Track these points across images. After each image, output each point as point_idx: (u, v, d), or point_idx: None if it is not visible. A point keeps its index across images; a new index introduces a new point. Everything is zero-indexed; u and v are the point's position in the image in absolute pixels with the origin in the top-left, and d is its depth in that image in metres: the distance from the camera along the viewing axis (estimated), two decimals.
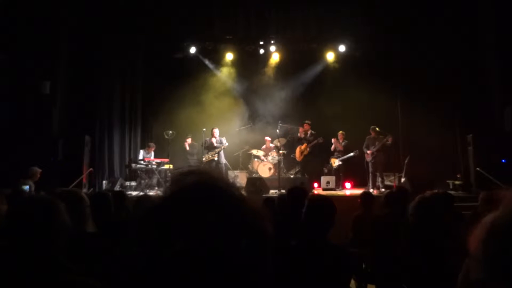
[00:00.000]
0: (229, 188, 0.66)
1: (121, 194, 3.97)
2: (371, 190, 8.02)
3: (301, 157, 9.57)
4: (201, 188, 0.64)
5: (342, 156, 9.36)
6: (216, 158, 9.54)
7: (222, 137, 9.77)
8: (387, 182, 8.90)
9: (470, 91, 8.85)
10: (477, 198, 4.63)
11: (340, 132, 9.52)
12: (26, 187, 6.20)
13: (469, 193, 7.87)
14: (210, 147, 9.58)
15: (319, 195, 2.57)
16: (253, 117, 10.83)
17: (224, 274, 0.58)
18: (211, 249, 0.58)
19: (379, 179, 8.74)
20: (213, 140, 9.61)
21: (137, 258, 0.61)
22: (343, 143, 9.44)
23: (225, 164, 9.86)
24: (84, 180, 8.35)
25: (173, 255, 0.58)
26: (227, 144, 9.65)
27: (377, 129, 8.88)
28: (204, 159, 9.53)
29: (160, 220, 0.61)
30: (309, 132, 9.59)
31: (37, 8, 7.92)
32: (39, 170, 6.80)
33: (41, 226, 1.37)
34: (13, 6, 7.63)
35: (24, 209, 1.42)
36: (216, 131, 9.68)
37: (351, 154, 9.21)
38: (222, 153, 9.69)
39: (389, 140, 8.58)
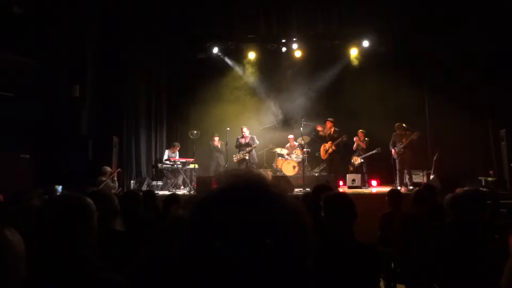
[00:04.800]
0: (275, 189, 0.67)
1: (151, 194, 4.06)
2: (398, 188, 7.84)
3: (326, 155, 9.46)
4: (250, 188, 0.66)
5: (365, 154, 9.23)
6: (247, 157, 9.45)
7: (253, 135, 9.71)
8: (416, 180, 8.67)
9: (502, 87, 8.50)
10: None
11: (360, 130, 9.41)
12: (59, 188, 6.44)
13: (503, 190, 7.55)
14: (242, 146, 9.55)
15: (334, 193, 2.53)
16: (276, 115, 10.81)
17: (274, 272, 0.59)
18: (262, 248, 0.59)
19: (407, 177, 8.53)
20: (243, 139, 9.57)
21: (183, 254, 0.62)
22: (364, 141, 9.31)
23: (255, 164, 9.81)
24: None
25: (223, 253, 0.59)
26: (257, 142, 9.61)
27: (403, 125, 8.68)
28: (235, 159, 9.52)
29: (211, 218, 0.62)
30: (332, 130, 9.48)
31: (66, 13, 8.20)
32: (110, 169, 8.07)
33: (72, 225, 1.42)
34: (44, 12, 7.93)
35: (56, 208, 1.46)
36: (245, 130, 9.63)
37: (373, 151, 9.05)
38: (253, 152, 9.60)
39: (416, 136, 8.35)
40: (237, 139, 9.55)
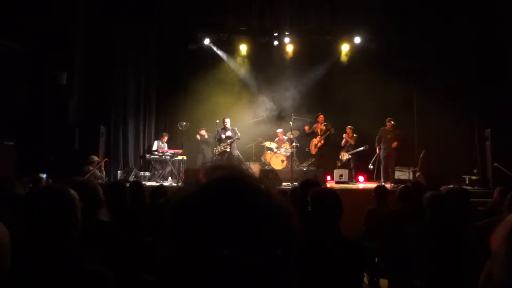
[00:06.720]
0: (261, 186, 0.65)
1: (138, 184, 4.02)
2: (384, 184, 7.96)
3: (315, 150, 9.52)
4: (231, 184, 0.63)
5: (353, 150, 9.32)
6: (228, 150, 9.42)
7: (234, 127, 9.69)
8: (402, 177, 8.80)
9: (489, 88, 8.65)
10: (493, 194, 4.55)
11: (349, 127, 9.49)
12: (44, 176, 6.33)
13: (485, 189, 7.71)
14: (222, 138, 9.52)
15: (322, 189, 2.54)
16: (266, 109, 10.79)
17: (256, 275, 0.57)
18: (244, 251, 0.57)
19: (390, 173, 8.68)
20: (225, 130, 9.56)
21: (163, 253, 0.61)
22: (353, 138, 9.40)
23: (238, 156, 9.79)
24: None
25: (204, 255, 0.57)
26: (239, 135, 9.58)
27: (392, 122, 8.81)
28: (216, 151, 9.48)
29: (190, 218, 0.60)
30: (322, 124, 9.53)
31: None
32: (97, 158, 8.04)
33: (58, 219, 1.39)
34: None
35: (41, 201, 1.43)
36: (228, 121, 9.58)
37: (361, 148, 9.14)
38: (234, 144, 9.56)
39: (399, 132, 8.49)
40: (218, 131, 9.49)
